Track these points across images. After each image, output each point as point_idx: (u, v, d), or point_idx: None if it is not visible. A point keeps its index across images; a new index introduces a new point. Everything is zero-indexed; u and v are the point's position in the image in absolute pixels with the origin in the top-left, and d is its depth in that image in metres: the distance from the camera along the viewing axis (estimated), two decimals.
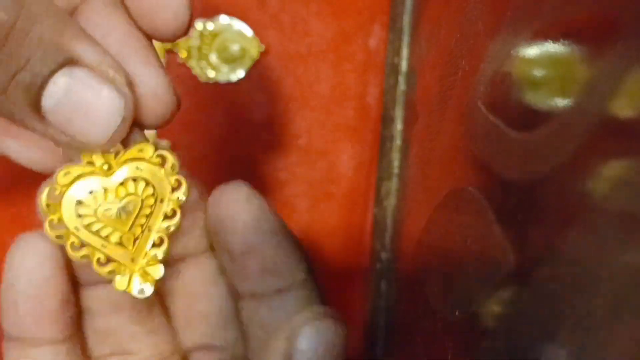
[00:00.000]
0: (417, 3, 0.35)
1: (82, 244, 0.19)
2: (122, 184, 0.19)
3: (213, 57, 0.36)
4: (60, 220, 0.19)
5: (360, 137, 0.37)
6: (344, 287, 0.36)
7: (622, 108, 0.14)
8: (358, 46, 0.37)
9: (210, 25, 0.36)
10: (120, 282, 0.19)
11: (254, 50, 0.36)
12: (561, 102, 0.17)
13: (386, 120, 0.35)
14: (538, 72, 0.18)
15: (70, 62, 0.17)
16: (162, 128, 0.20)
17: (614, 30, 0.14)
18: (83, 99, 0.17)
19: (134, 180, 0.19)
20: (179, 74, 0.36)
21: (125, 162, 0.19)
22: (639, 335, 0.13)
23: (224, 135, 0.36)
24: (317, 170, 0.36)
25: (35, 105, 0.17)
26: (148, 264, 0.19)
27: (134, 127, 0.19)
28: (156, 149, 0.19)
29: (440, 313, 0.24)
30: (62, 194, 0.19)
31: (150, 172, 0.19)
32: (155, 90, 0.19)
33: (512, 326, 0.18)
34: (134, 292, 0.19)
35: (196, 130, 0.36)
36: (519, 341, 0.18)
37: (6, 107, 0.17)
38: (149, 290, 0.19)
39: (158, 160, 0.19)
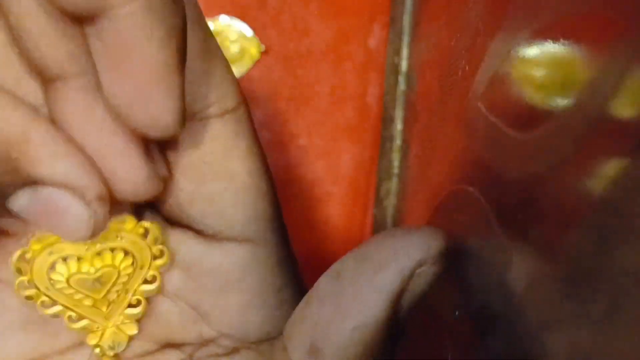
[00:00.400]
0: (417, 3, 0.35)
1: (54, 303, 0.18)
2: (98, 253, 0.18)
3: None
4: (30, 281, 0.18)
5: (360, 137, 0.37)
6: None
7: (622, 108, 0.14)
8: (358, 46, 0.37)
9: (210, 25, 0.36)
10: (91, 338, 0.19)
11: (254, 50, 0.36)
12: (561, 102, 0.17)
13: (386, 120, 0.35)
14: (538, 72, 0.18)
15: (32, 183, 0.16)
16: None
17: (614, 30, 0.14)
18: (49, 214, 0.16)
19: (112, 250, 0.18)
20: None
21: (105, 234, 0.18)
22: (639, 335, 0.13)
23: None
24: (317, 170, 0.37)
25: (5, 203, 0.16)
26: (123, 322, 0.19)
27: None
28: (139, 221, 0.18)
29: (440, 313, 0.24)
30: (33, 258, 0.18)
31: (130, 241, 0.18)
32: (134, 183, 0.17)
33: (512, 326, 0.18)
34: (106, 349, 0.18)
35: None
36: (518, 341, 0.18)
37: None
38: (121, 347, 0.19)
39: (141, 231, 0.18)
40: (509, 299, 0.19)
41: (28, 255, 0.18)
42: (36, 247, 0.18)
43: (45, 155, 0.16)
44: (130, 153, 0.17)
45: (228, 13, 0.36)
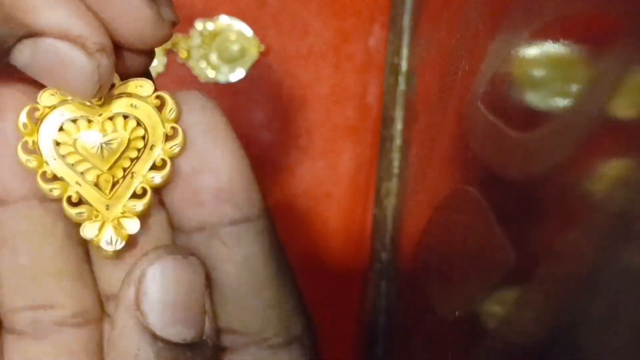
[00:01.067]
0: (417, 3, 0.35)
1: (55, 177, 0.17)
2: (110, 118, 0.17)
3: (213, 57, 0.36)
4: (35, 143, 0.17)
5: (360, 137, 0.37)
6: (344, 287, 0.36)
7: (622, 108, 0.14)
8: (358, 46, 0.37)
9: (210, 25, 0.36)
10: (88, 229, 0.17)
11: (254, 50, 0.36)
12: (561, 102, 0.17)
13: (386, 120, 0.35)
14: (538, 72, 0.18)
15: (33, 34, 0.16)
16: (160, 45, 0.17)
17: (614, 30, 0.14)
18: (52, 66, 0.16)
19: (125, 117, 0.17)
20: (179, 74, 0.36)
21: (119, 96, 0.17)
22: (638, 334, 0.13)
23: None
24: (317, 170, 0.37)
25: (9, 60, 0.16)
26: (124, 215, 0.17)
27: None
28: (157, 89, 0.17)
29: (440, 313, 0.24)
30: (43, 116, 0.17)
31: (145, 113, 0.17)
32: (138, 26, 0.16)
33: (511, 326, 0.18)
34: (103, 243, 0.17)
35: None
36: (518, 341, 0.18)
37: None
38: (119, 245, 0.17)
39: (157, 102, 0.17)
40: (509, 299, 0.19)
41: (37, 114, 0.17)
42: (47, 102, 0.17)
43: (40, 2, 0.15)
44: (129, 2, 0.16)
45: (228, 13, 0.36)
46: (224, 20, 0.36)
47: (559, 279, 0.16)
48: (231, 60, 0.36)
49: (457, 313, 0.23)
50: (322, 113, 0.37)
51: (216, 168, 0.17)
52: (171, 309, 0.16)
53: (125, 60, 0.17)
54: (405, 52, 0.35)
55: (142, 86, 0.17)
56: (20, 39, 0.16)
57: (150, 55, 0.18)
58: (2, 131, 0.17)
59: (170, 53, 0.36)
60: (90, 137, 0.17)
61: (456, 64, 0.25)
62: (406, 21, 0.35)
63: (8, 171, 0.17)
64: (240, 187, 0.17)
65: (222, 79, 0.36)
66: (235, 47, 0.36)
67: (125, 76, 0.17)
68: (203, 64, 0.36)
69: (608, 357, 0.13)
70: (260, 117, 0.37)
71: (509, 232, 0.19)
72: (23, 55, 0.16)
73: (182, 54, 0.36)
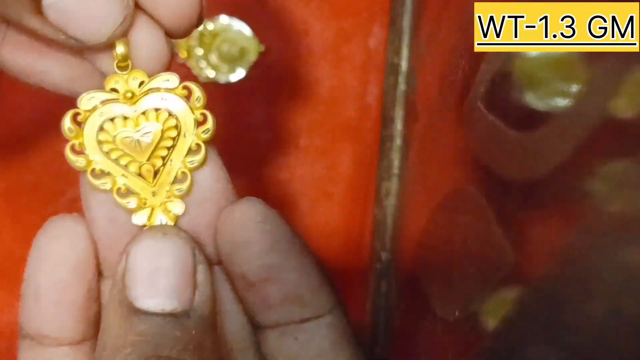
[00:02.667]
0: (417, 3, 0.35)
1: (103, 173, 0.19)
2: (143, 113, 0.19)
3: (213, 57, 0.36)
4: (81, 144, 0.19)
5: (360, 137, 0.37)
6: (344, 287, 0.36)
7: (622, 108, 0.14)
8: (358, 46, 0.37)
9: (210, 25, 0.36)
10: (138, 216, 0.19)
11: (254, 51, 0.36)
12: (561, 102, 0.17)
13: (386, 120, 0.35)
14: (538, 72, 0.18)
15: None
16: (189, 34, 0.19)
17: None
18: None
19: (157, 110, 0.19)
20: (179, 74, 0.36)
21: (149, 92, 0.19)
22: (637, 333, 0.13)
23: (224, 136, 0.36)
24: (317, 170, 0.37)
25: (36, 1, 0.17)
26: (169, 200, 0.19)
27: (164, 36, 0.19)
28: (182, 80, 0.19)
29: (440, 313, 0.24)
30: (85, 119, 0.19)
31: (175, 104, 0.19)
32: (172, 16, 0.18)
33: (511, 326, 0.18)
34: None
35: None
36: (518, 341, 0.18)
37: (4, 2, 0.17)
38: (167, 225, 0.19)
39: (184, 92, 0.19)
40: (509, 299, 0.19)
41: (80, 117, 0.18)
42: (87, 105, 0.18)
43: None
44: None
45: (228, 13, 0.36)
46: (224, 20, 0.36)
47: (558, 278, 0.16)
48: (231, 60, 0.36)
49: (456, 313, 0.23)
50: (322, 113, 0.37)
51: (283, 278, 0.18)
52: (150, 282, 0.17)
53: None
54: (405, 52, 0.35)
55: (169, 80, 0.19)
56: None
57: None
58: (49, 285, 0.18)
59: None
60: (127, 133, 0.19)
61: (456, 64, 0.25)
62: (406, 21, 0.35)
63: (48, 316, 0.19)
64: (307, 290, 0.19)
65: (222, 79, 0.36)
66: (235, 47, 0.36)
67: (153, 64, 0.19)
68: (203, 64, 0.36)
69: (608, 357, 0.13)
70: (260, 117, 0.37)
71: (508, 232, 0.19)
72: None
73: (182, 54, 0.36)
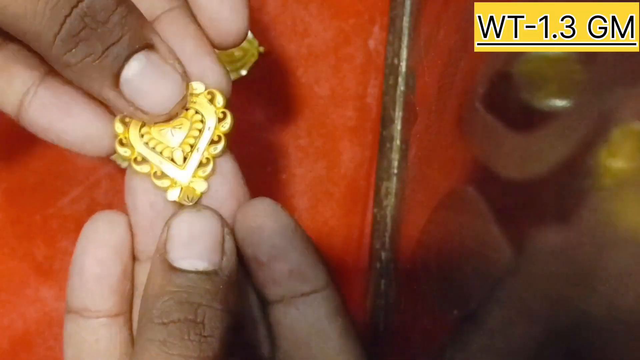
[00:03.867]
0: (416, 4, 0.35)
1: (143, 160, 0.23)
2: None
3: None
4: (127, 139, 0.23)
5: (360, 137, 0.37)
6: (344, 286, 0.36)
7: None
8: (358, 47, 0.38)
9: None
10: (171, 193, 0.23)
11: (254, 51, 0.37)
12: (561, 102, 0.17)
13: (386, 120, 0.35)
14: (537, 72, 0.18)
15: (148, 47, 0.21)
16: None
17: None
18: (154, 76, 0.21)
19: (187, 109, 0.23)
20: None
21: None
22: (637, 333, 0.13)
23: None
24: (317, 170, 0.37)
25: (116, 76, 0.21)
26: (196, 180, 0.23)
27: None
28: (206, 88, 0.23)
29: (440, 312, 0.25)
30: (130, 120, 0.23)
31: (201, 104, 0.23)
32: (218, 83, 0.23)
33: (510, 325, 0.18)
34: (183, 202, 0.23)
35: None
36: (517, 340, 0.18)
37: (90, 77, 0.21)
38: (194, 200, 0.23)
39: (209, 96, 0.23)
40: (508, 298, 0.19)
41: (127, 119, 0.23)
42: None
43: (156, 32, 0.22)
44: (214, 61, 0.24)
45: None
46: None
47: (557, 278, 0.16)
48: (231, 61, 0.36)
49: (455, 312, 0.23)
50: (322, 113, 0.37)
51: (288, 257, 0.23)
52: (186, 246, 0.21)
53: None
54: (404, 53, 0.35)
55: (197, 88, 0.23)
56: (136, 51, 0.21)
57: None
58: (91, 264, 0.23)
59: None
60: (163, 127, 0.23)
61: (456, 64, 0.25)
62: (406, 22, 0.36)
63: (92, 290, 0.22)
64: (307, 267, 0.23)
65: None
66: (235, 48, 0.36)
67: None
68: None
69: (606, 355, 0.14)
70: (260, 117, 0.37)
71: (507, 231, 0.19)
72: (138, 62, 0.21)
73: None
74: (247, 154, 0.36)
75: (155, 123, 0.23)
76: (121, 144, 0.23)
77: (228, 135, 0.24)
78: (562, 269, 0.16)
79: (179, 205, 0.23)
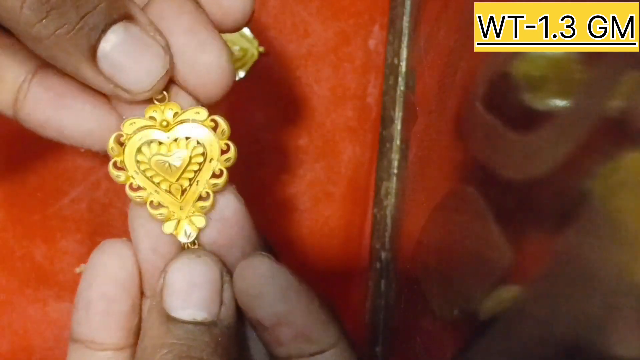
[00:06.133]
0: (416, 5, 0.35)
1: (139, 187, 0.22)
2: (175, 140, 0.22)
3: None
4: (122, 162, 0.21)
5: (360, 137, 0.37)
6: (344, 287, 0.36)
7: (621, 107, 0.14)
8: (358, 47, 0.38)
9: None
10: (168, 226, 0.22)
11: (254, 51, 0.37)
12: (560, 102, 0.17)
13: (386, 120, 0.35)
14: (537, 72, 0.18)
15: (127, 17, 0.19)
16: (218, 101, 0.22)
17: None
18: (134, 50, 0.20)
19: (187, 138, 0.22)
20: None
21: (181, 122, 0.22)
22: (636, 333, 0.13)
23: None
24: (317, 170, 0.37)
25: (92, 51, 0.19)
26: (194, 214, 0.22)
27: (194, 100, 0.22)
28: (210, 114, 0.22)
29: (439, 312, 0.25)
30: (126, 140, 0.21)
31: (203, 134, 0.22)
32: (214, 70, 0.21)
33: (510, 325, 0.18)
34: (180, 237, 0.22)
35: None
36: (517, 340, 0.18)
37: (65, 52, 0.19)
38: (192, 237, 0.22)
39: (211, 124, 0.22)
40: (507, 298, 0.19)
41: (123, 139, 0.21)
42: (128, 129, 0.21)
43: (137, 5, 0.20)
44: (211, 44, 0.21)
45: None
46: None
47: (557, 278, 0.16)
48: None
49: (455, 312, 0.23)
50: (322, 113, 0.37)
51: (292, 322, 0.21)
52: (184, 295, 0.20)
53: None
54: (404, 52, 0.35)
55: (199, 112, 0.21)
56: (115, 21, 0.19)
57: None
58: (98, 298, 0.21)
59: None
60: (161, 156, 0.21)
61: (455, 64, 0.25)
62: (405, 22, 0.36)
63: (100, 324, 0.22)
64: (314, 329, 0.21)
65: None
66: (235, 48, 0.36)
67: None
68: None
69: (606, 355, 0.14)
70: (260, 117, 0.37)
71: (507, 231, 0.19)
72: (115, 35, 0.19)
73: None
74: (247, 155, 0.36)
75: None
76: (116, 167, 0.22)
77: (230, 168, 0.22)
78: (562, 269, 0.16)
79: (180, 245, 0.22)
